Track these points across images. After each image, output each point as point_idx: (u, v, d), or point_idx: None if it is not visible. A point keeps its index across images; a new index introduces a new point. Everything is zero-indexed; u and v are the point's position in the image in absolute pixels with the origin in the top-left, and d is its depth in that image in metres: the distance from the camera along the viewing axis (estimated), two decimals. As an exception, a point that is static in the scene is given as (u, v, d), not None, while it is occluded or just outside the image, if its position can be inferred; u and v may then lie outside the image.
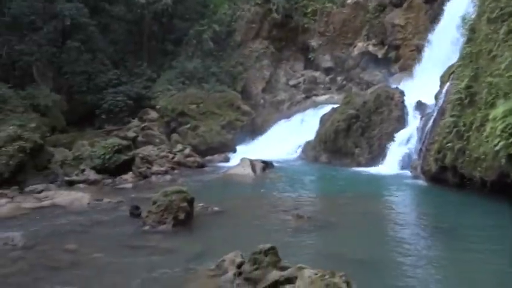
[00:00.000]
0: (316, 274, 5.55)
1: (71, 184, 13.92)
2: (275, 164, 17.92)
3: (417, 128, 16.82)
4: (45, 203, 11.46)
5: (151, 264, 7.40)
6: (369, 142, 18.33)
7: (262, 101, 26.06)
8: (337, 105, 20.74)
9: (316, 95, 26.14)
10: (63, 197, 11.87)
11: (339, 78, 26.36)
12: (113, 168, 15.10)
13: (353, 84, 25.61)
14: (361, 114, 18.77)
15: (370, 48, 25.29)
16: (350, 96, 20.46)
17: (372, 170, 17.09)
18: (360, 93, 21.52)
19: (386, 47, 24.61)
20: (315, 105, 24.45)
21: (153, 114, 23.16)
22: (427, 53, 21.06)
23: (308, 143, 20.66)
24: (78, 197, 11.83)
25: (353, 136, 18.65)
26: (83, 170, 14.72)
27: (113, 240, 8.71)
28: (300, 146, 21.14)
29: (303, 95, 26.40)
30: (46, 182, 13.61)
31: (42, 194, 12.22)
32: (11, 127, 14.68)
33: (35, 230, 9.27)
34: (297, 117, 23.72)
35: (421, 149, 15.44)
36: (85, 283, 6.66)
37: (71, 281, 6.72)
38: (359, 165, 17.94)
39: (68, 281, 6.69)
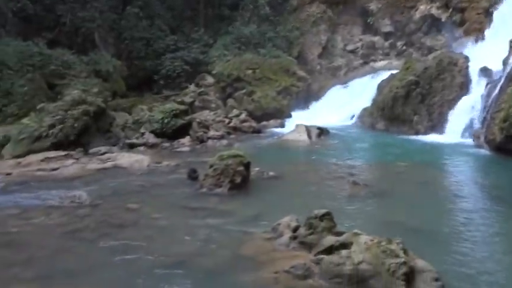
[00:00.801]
0: (372, 240, 5.54)
1: (131, 147, 14.44)
2: (330, 131, 17.75)
3: (481, 96, 16.06)
4: (108, 164, 11.97)
5: (209, 225, 7.63)
6: (428, 109, 17.72)
7: (318, 66, 25.66)
8: (396, 71, 20.10)
9: (375, 61, 25.41)
10: (125, 159, 12.34)
11: (398, 43, 25.42)
12: (171, 132, 15.49)
13: (413, 50, 24.64)
14: (421, 81, 18.10)
15: (433, 11, 24.10)
16: (410, 62, 19.74)
17: (431, 138, 16.57)
18: (420, 58, 20.73)
19: (450, 9, 23.37)
20: (373, 71, 23.80)
21: (210, 80, 23.37)
22: (495, 16, 19.86)
23: (365, 110, 20.26)
24: (139, 160, 12.25)
25: (412, 103, 18.08)
26: (143, 134, 15.20)
27: (172, 201, 9.03)
28: (356, 112, 20.78)
29: (361, 61, 25.75)
30: (108, 144, 14.17)
31: (105, 156, 12.74)
32: (75, 91, 15.29)
33: (99, 189, 9.74)
34: (353, 84, 23.22)
35: (485, 118, 14.79)
36: (147, 240, 6.97)
37: (134, 238, 7.05)
38: (417, 133, 17.43)
39: (131, 238, 7.03)
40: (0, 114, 16.56)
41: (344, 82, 24.00)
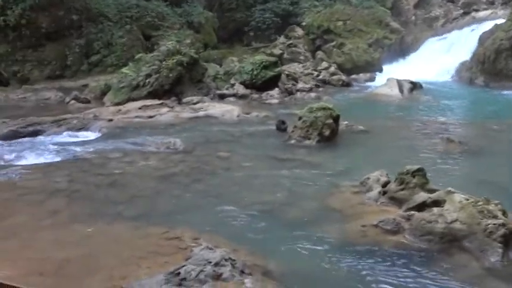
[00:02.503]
0: (467, 199, 5.34)
1: (222, 97, 14.79)
2: (424, 86, 16.95)
3: None
4: (200, 113, 12.39)
5: (297, 176, 7.73)
6: (536, 64, 16.31)
7: (413, 17, 24.31)
8: (502, 21, 18.53)
9: (477, 11, 23.58)
10: (216, 109, 12.69)
11: (506, -9, 23.29)
12: (260, 83, 15.61)
13: (523, -2, 22.50)
14: (530, 32, 16.60)
15: (550, -47, 21.68)
16: (518, 11, 18.09)
17: (539, 95, 15.33)
18: (531, 7, 18.92)
19: None
20: (474, 21, 22.13)
21: (299, 32, 23.01)
22: None
23: (462, 64, 19.06)
24: (229, 110, 12.55)
25: (518, 57, 16.71)
26: (233, 85, 15.48)
27: (261, 151, 9.22)
28: (453, 67, 19.59)
29: (461, 11, 24.01)
30: (200, 94, 14.60)
31: (197, 105, 13.18)
32: (170, 42, 15.79)
33: (192, 137, 10.15)
34: (452, 35, 21.80)
35: None
36: (236, 188, 7.23)
37: (224, 184, 7.35)
38: (522, 89, 16.18)
39: (222, 184, 7.33)
40: (102, 64, 17.61)
41: (441, 34, 22.60)
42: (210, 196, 6.83)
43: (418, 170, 6.27)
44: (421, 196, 5.82)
